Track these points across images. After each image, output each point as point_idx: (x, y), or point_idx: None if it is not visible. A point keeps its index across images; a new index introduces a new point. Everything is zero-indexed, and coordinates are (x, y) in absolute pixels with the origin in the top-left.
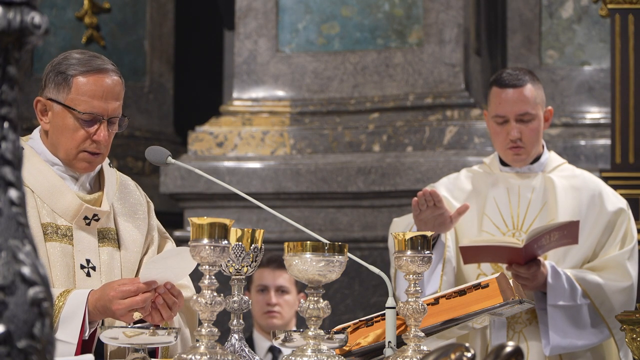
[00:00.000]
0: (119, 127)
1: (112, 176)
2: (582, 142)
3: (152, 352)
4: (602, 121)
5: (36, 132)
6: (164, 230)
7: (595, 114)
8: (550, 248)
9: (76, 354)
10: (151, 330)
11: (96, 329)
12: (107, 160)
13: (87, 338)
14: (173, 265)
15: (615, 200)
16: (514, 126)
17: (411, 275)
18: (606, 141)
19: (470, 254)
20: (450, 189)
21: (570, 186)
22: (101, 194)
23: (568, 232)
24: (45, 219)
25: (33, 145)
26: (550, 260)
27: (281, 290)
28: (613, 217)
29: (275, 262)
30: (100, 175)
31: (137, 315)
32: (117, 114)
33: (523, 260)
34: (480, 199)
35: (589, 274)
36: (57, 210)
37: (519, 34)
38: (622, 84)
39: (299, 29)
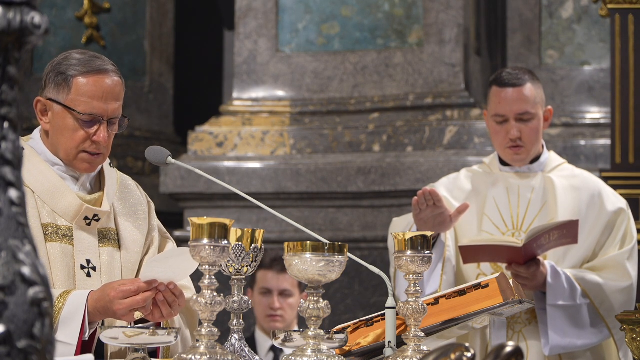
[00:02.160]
0: (119, 127)
1: (113, 176)
2: (582, 142)
3: (153, 353)
4: (602, 121)
5: (37, 132)
6: (164, 230)
7: (595, 114)
8: (550, 248)
9: (75, 355)
10: (151, 330)
11: (96, 329)
12: (107, 160)
13: (86, 339)
14: (174, 265)
15: (615, 200)
16: (513, 125)
17: (411, 275)
18: (606, 141)
19: (470, 253)
20: (450, 189)
21: (570, 186)
22: (102, 194)
23: (567, 232)
24: (46, 219)
25: (33, 145)
26: (550, 260)
27: (284, 294)
28: (613, 217)
29: (280, 264)
30: (100, 175)
31: (137, 315)
32: (117, 115)
33: (522, 260)
34: (480, 199)
35: (589, 273)
36: (58, 211)
37: (519, 34)
38: (622, 84)
39: (299, 29)
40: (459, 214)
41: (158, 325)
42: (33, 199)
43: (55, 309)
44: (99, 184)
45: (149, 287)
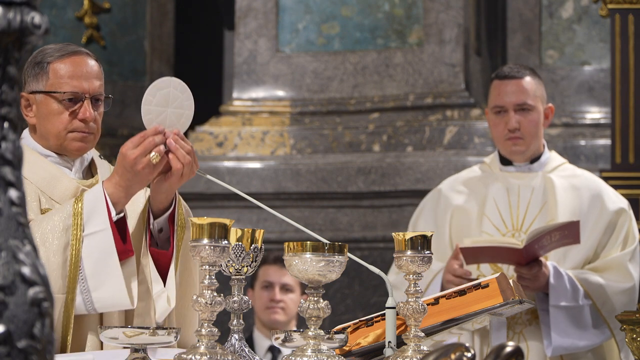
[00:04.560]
0: (105, 106)
1: (105, 165)
2: (582, 142)
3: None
4: (602, 121)
5: (25, 132)
6: None
7: (595, 114)
8: (552, 248)
9: (116, 240)
10: (151, 330)
11: (125, 214)
12: (97, 153)
13: (115, 220)
14: (175, 110)
15: (616, 200)
16: (512, 116)
17: (411, 275)
18: (606, 141)
19: (471, 254)
20: (451, 189)
21: (570, 186)
22: (97, 177)
23: (569, 232)
24: (45, 205)
25: (25, 143)
26: (550, 260)
27: (286, 289)
28: (614, 217)
29: (282, 260)
30: (92, 166)
31: (155, 158)
32: (100, 93)
33: (524, 260)
34: (480, 199)
35: (591, 274)
36: (55, 197)
37: (519, 34)
38: (622, 84)
39: (299, 29)
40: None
41: (158, 326)
42: (32, 187)
43: (76, 210)
44: (90, 175)
45: (156, 131)
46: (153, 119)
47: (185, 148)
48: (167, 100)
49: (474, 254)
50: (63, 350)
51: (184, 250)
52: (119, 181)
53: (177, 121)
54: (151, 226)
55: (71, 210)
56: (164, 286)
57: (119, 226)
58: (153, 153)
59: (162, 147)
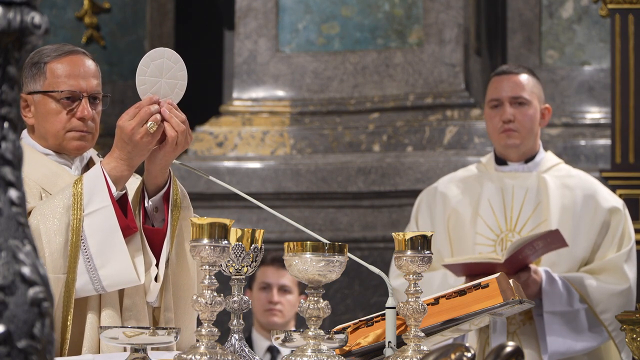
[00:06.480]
0: (103, 104)
1: None
2: (582, 142)
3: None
4: (602, 121)
5: (24, 133)
6: None
7: (595, 114)
8: (540, 255)
9: (118, 216)
10: (151, 331)
11: (126, 192)
12: (95, 152)
13: (117, 198)
14: (167, 80)
15: (610, 200)
16: (507, 108)
17: (411, 275)
18: (606, 141)
19: (458, 269)
20: (447, 189)
21: (563, 186)
22: None
23: (552, 239)
24: None
25: (25, 142)
26: (545, 263)
27: (284, 290)
28: (608, 217)
29: (280, 261)
30: (90, 164)
31: (152, 127)
32: (97, 91)
33: (511, 272)
34: (474, 199)
35: (586, 278)
36: None
37: (519, 34)
38: (622, 84)
39: (299, 29)
40: None
41: (157, 327)
42: (33, 184)
43: (76, 191)
44: None
45: (150, 101)
46: (147, 89)
47: (180, 117)
48: (160, 71)
49: (461, 269)
50: (64, 332)
51: (179, 231)
52: (120, 155)
53: (171, 91)
54: (146, 205)
55: (71, 191)
56: (156, 265)
57: (121, 204)
58: (150, 122)
59: (158, 116)
